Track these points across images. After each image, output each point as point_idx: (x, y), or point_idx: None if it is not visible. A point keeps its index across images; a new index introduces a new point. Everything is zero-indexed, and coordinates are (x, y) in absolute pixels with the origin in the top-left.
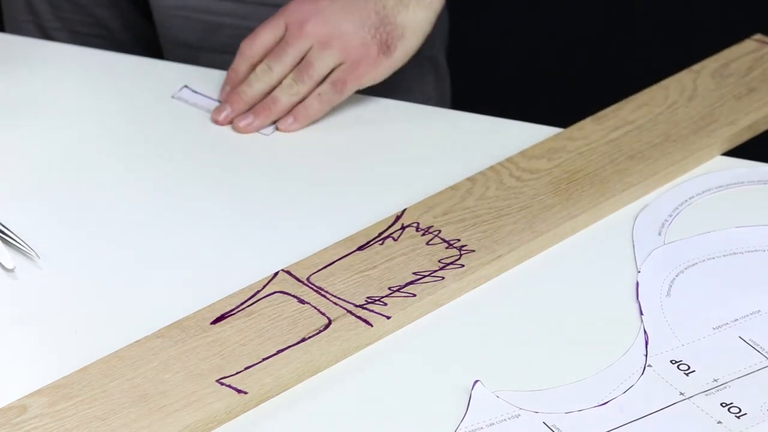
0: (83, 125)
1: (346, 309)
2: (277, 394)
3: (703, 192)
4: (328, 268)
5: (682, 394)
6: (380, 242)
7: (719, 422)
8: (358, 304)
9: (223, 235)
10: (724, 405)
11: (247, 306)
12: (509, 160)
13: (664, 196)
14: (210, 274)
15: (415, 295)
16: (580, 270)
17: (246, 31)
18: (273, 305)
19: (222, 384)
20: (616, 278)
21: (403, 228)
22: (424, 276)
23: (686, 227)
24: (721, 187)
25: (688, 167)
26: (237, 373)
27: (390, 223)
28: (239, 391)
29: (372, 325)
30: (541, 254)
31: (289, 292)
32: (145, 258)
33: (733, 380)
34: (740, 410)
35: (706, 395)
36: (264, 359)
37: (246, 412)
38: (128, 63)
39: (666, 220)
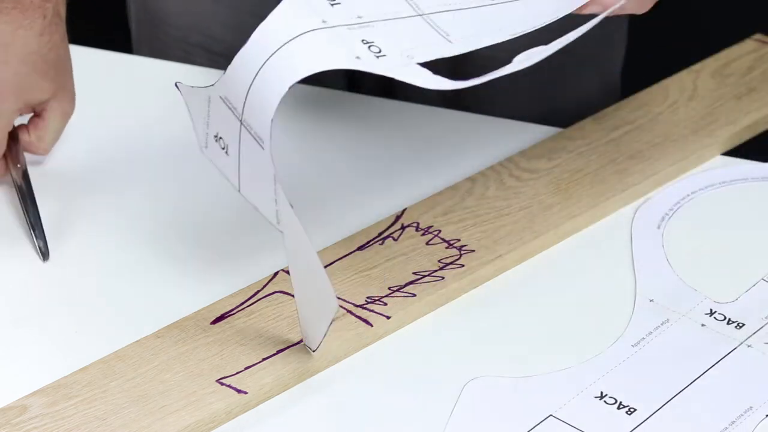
0: (81, 125)
1: (346, 309)
2: (277, 394)
3: (705, 187)
4: (328, 268)
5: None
6: (380, 242)
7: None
8: (358, 304)
9: (223, 235)
10: None
11: (247, 306)
12: (509, 160)
13: (666, 191)
14: (210, 274)
15: (415, 295)
16: (579, 270)
17: None
18: (273, 305)
19: (222, 384)
20: (616, 278)
21: (403, 228)
22: (424, 276)
23: (686, 222)
24: (723, 183)
25: (688, 167)
26: (237, 373)
27: (390, 223)
28: (239, 391)
29: (372, 325)
30: (541, 254)
31: (289, 292)
32: (145, 258)
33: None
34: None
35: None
36: (264, 359)
37: (246, 412)
38: (124, 61)
39: (666, 214)
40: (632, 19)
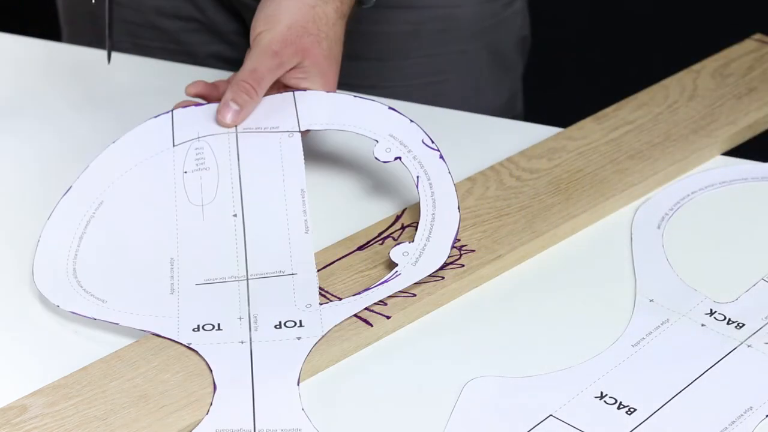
0: (85, 125)
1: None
2: None
3: (705, 187)
4: (328, 268)
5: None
6: (380, 242)
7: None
8: None
9: None
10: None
11: None
12: (509, 160)
13: (667, 190)
14: None
15: (415, 295)
16: (579, 270)
17: None
18: None
19: None
20: (616, 278)
21: (403, 228)
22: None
23: (686, 222)
24: (723, 183)
25: (688, 167)
26: None
27: (390, 223)
28: None
29: (372, 325)
30: (541, 254)
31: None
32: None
33: None
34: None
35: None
36: None
37: None
38: (122, 60)
39: (666, 214)
40: (632, 18)
